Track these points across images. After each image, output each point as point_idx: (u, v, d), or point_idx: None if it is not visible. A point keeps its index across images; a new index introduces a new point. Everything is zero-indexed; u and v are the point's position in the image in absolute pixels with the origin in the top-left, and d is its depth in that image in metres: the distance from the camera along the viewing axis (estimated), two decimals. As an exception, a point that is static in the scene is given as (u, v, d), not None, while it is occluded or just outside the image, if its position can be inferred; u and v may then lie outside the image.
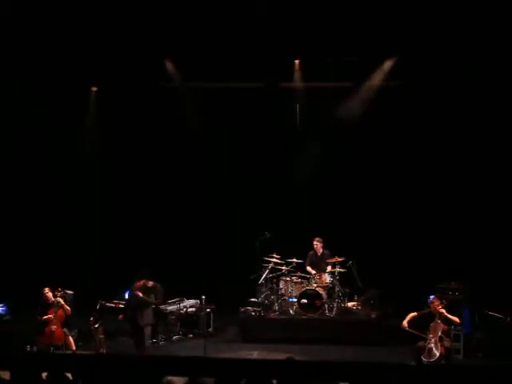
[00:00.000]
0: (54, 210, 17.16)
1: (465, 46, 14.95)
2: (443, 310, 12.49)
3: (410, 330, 12.50)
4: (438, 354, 12.22)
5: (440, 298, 12.95)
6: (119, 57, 15.86)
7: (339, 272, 15.28)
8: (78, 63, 15.91)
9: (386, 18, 14.50)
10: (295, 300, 15.15)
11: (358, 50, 15.51)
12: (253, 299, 15.49)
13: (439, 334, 12.39)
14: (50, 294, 13.42)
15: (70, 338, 13.42)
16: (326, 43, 15.23)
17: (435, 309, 12.55)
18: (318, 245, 15.74)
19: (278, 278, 15.61)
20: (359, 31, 14.83)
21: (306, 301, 14.94)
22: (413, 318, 12.62)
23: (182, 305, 15.17)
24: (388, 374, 6.25)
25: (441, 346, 12.29)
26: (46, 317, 13.30)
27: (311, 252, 15.84)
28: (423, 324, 12.55)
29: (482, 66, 15.20)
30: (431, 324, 12.45)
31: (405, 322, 12.60)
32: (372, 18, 14.54)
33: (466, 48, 15.00)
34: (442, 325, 12.44)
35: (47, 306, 13.42)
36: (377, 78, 16.48)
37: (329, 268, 15.47)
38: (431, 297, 14.42)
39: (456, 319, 12.75)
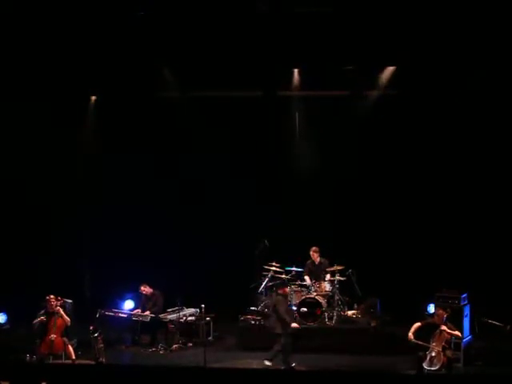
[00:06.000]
0: (53, 218, 17.13)
1: (463, 55, 15.00)
2: (445, 328, 12.42)
3: (416, 341, 12.41)
4: (439, 364, 12.20)
5: (444, 308, 12.90)
6: (118, 66, 15.90)
7: (339, 280, 15.29)
8: (77, 73, 15.95)
9: (385, 26, 14.53)
10: (295, 308, 15.12)
11: (357, 58, 15.54)
12: (252, 308, 15.48)
13: (443, 343, 12.37)
14: (54, 303, 13.40)
15: (70, 347, 13.38)
16: (325, 52, 15.26)
17: (440, 320, 12.52)
18: (314, 254, 15.75)
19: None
20: (358, 40, 14.86)
21: (305, 309, 14.93)
22: (417, 329, 12.57)
23: (181, 314, 15.15)
24: (388, 383, 6.25)
25: (443, 355, 12.26)
26: (39, 319, 13.26)
27: (309, 261, 15.84)
28: (426, 333, 12.53)
29: (481, 75, 15.25)
30: (435, 332, 12.43)
31: (410, 334, 12.48)
32: (370, 26, 14.57)
33: (464, 57, 15.05)
34: (445, 334, 12.42)
35: (48, 314, 13.39)
36: (375, 87, 16.50)
37: (328, 276, 15.47)
38: (431, 305, 14.45)
39: (458, 333, 12.72)
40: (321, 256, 15.79)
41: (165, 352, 14.68)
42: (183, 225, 17.29)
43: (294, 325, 13.37)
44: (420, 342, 12.36)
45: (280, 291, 13.78)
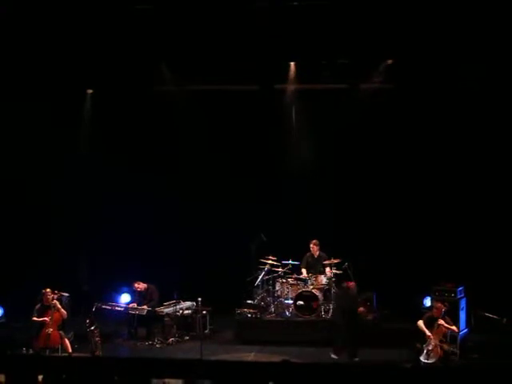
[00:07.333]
0: (49, 211, 17.11)
1: (459, 48, 14.99)
2: (442, 322, 12.49)
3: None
4: (436, 357, 12.26)
5: (443, 302, 12.95)
6: (115, 60, 15.86)
7: (335, 274, 15.29)
8: (74, 66, 15.91)
9: (382, 19, 14.51)
10: (291, 302, 15.16)
11: (353, 52, 15.53)
12: (249, 301, 15.49)
13: (440, 337, 12.43)
14: (50, 296, 13.42)
15: (66, 341, 13.40)
16: (321, 45, 15.25)
17: (438, 314, 12.57)
18: (314, 247, 15.76)
19: (274, 280, 15.62)
20: (355, 33, 14.84)
21: (302, 302, 14.95)
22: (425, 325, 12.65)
23: (178, 307, 15.15)
24: (384, 376, 6.25)
25: (440, 349, 12.31)
26: (41, 319, 13.29)
27: (308, 254, 15.86)
28: (426, 327, 12.59)
29: (478, 67, 15.25)
30: (433, 326, 12.48)
31: (429, 333, 12.53)
32: (367, 19, 14.55)
33: (460, 50, 15.04)
34: (442, 328, 12.47)
35: (44, 307, 13.41)
36: (371, 81, 16.49)
37: (327, 270, 15.45)
38: (427, 298, 14.49)
39: (455, 328, 12.78)
40: (320, 249, 15.82)
41: (161, 345, 14.69)
42: (180, 218, 17.26)
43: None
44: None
45: (344, 285, 13.80)
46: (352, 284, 13.83)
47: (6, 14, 14.38)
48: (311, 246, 15.79)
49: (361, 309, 14.08)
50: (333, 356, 13.31)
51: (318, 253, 15.81)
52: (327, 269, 15.50)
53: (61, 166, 17.05)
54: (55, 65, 15.81)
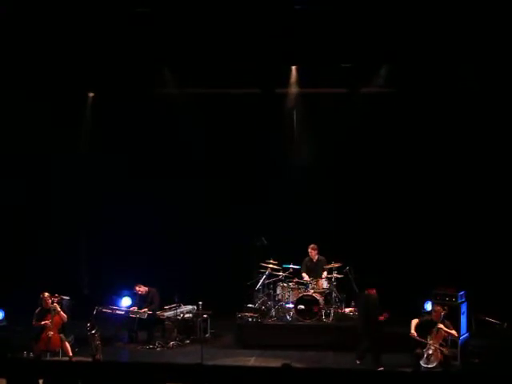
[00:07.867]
0: (50, 214, 17.12)
1: (460, 52, 15.02)
2: (442, 326, 12.47)
3: (418, 339, 12.46)
4: (436, 361, 12.23)
5: (442, 306, 12.94)
6: (116, 62, 15.88)
7: (336, 278, 15.29)
8: (75, 69, 15.94)
9: (382, 24, 14.52)
10: (292, 306, 15.15)
11: (354, 56, 15.54)
12: (250, 305, 15.48)
13: (440, 341, 12.40)
14: (49, 300, 13.42)
15: (67, 344, 13.39)
16: (323, 50, 15.26)
17: (437, 318, 12.54)
18: (312, 252, 15.76)
19: (274, 284, 15.61)
20: (355, 38, 14.86)
21: (302, 307, 14.94)
22: (416, 325, 12.60)
23: (178, 311, 15.14)
24: (385, 381, 6.25)
25: (440, 353, 12.28)
26: (42, 322, 13.29)
27: (307, 258, 15.86)
28: (423, 330, 12.55)
29: (478, 70, 15.27)
30: (432, 330, 12.45)
31: (413, 331, 12.52)
32: (367, 24, 14.56)
33: (461, 54, 15.07)
34: (442, 332, 12.45)
35: (44, 311, 13.41)
36: (373, 85, 16.50)
37: (324, 274, 15.47)
38: (428, 302, 14.46)
39: (454, 333, 12.74)
40: (319, 253, 15.81)
41: (162, 349, 14.67)
42: (181, 222, 17.26)
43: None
44: (423, 340, 12.40)
45: (366, 292, 13.67)
46: (373, 291, 13.72)
47: (7, 14, 14.38)
48: (309, 250, 15.79)
49: (381, 317, 14.00)
50: (357, 362, 13.29)
51: (316, 257, 15.81)
52: (324, 273, 15.50)
53: (61, 166, 17.05)
54: (57, 67, 15.84)
